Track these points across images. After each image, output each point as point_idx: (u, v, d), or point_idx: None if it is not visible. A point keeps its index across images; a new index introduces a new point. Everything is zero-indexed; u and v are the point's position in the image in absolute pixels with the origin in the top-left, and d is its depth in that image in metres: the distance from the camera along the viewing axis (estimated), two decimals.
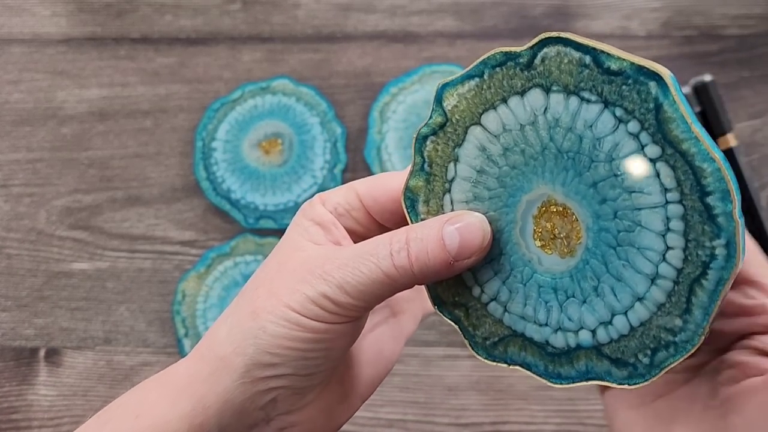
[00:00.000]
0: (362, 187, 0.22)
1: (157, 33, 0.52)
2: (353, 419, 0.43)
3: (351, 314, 0.20)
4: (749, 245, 0.20)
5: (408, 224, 0.21)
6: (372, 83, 0.50)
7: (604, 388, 0.23)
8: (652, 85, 0.18)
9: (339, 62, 0.51)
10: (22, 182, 0.49)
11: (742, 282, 0.20)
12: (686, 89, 0.48)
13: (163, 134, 0.49)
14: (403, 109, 0.49)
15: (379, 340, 0.25)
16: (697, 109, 0.48)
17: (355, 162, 0.49)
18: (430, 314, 0.28)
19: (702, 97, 0.48)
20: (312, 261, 0.21)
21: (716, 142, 0.47)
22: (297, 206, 0.47)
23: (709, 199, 0.18)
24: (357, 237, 0.23)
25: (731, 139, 0.47)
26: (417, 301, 0.27)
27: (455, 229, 0.20)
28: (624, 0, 0.53)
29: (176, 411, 0.20)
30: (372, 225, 0.23)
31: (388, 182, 0.22)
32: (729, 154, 0.47)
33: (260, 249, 0.47)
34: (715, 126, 0.47)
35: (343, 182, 0.39)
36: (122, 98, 0.50)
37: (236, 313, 0.21)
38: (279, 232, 0.47)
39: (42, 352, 0.45)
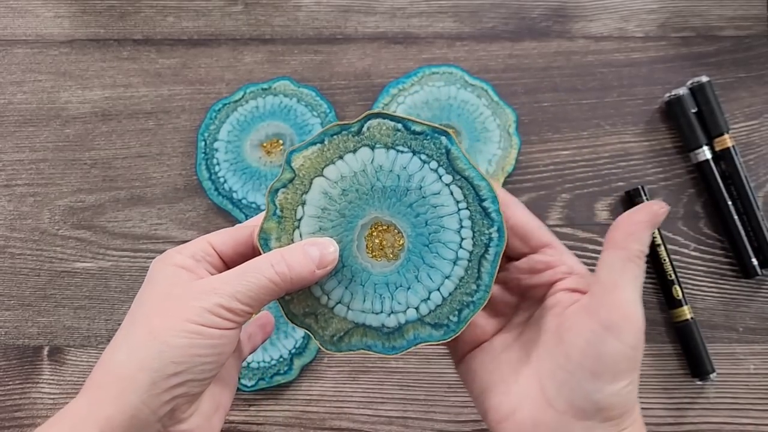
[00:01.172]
0: (214, 238, 0.28)
1: (159, 34, 0.52)
2: (353, 417, 0.44)
3: (239, 319, 0.25)
4: (536, 223, 0.28)
5: None
6: (372, 84, 0.51)
7: (458, 362, 0.30)
8: (443, 138, 0.27)
9: (339, 63, 0.51)
10: (26, 182, 0.49)
11: (542, 246, 0.28)
12: (683, 90, 0.49)
13: (165, 135, 0.50)
14: (403, 110, 0.49)
15: (230, 365, 0.30)
16: (694, 110, 0.48)
17: None
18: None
19: (698, 97, 0.48)
20: (197, 286, 0.25)
21: (713, 143, 0.47)
22: None
23: (485, 203, 0.27)
24: None
25: (728, 140, 0.47)
26: (244, 343, 0.33)
27: (315, 247, 0.26)
28: (621, 1, 0.53)
29: None
30: (224, 269, 0.28)
31: (238, 232, 0.28)
32: (726, 154, 0.47)
33: None
34: (711, 127, 0.48)
35: None
36: (125, 99, 0.51)
37: (130, 339, 0.25)
38: None
39: (45, 351, 0.45)
